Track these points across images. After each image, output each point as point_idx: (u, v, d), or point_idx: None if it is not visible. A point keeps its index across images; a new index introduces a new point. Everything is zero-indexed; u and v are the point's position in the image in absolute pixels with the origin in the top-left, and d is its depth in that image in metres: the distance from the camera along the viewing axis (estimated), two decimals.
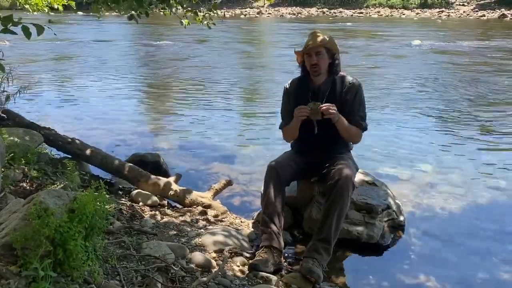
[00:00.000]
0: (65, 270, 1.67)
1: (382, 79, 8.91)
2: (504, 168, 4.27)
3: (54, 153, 3.98)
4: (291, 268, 2.53)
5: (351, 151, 2.95)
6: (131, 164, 3.59)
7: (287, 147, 3.04)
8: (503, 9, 30.82)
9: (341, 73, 2.83)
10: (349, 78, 2.81)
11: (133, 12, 3.48)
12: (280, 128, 3.00)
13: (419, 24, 24.82)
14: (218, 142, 5.04)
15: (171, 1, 3.62)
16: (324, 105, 2.64)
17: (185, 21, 3.98)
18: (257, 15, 35.20)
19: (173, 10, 3.86)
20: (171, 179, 3.49)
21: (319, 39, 2.71)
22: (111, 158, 3.65)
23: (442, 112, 6.42)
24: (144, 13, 3.57)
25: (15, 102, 4.84)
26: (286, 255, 2.68)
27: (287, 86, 2.93)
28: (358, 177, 3.03)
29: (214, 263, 2.36)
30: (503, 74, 9.47)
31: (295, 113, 2.72)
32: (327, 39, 2.74)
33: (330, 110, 2.61)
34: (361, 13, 35.06)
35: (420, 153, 4.66)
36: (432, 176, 4.04)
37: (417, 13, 33.67)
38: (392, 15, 33.45)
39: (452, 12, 33.14)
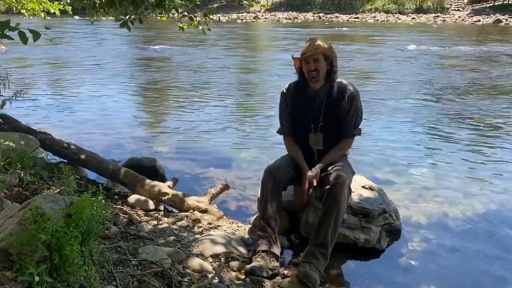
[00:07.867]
0: (61, 275, 1.66)
1: (377, 84, 8.94)
2: (501, 172, 4.29)
3: (50, 157, 3.98)
4: (287, 273, 2.52)
5: (347, 155, 2.95)
6: (127, 169, 3.59)
7: (284, 151, 3.04)
8: (497, 14, 31.07)
9: (339, 80, 2.83)
10: (347, 86, 2.80)
11: (126, 17, 3.38)
12: (278, 133, 3.00)
13: (414, 29, 24.96)
14: (215, 146, 5.04)
15: (166, 6, 3.58)
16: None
17: (183, 25, 3.98)
18: (254, 20, 35.32)
19: (170, 14, 3.84)
20: (168, 183, 3.49)
21: (317, 45, 2.71)
22: (107, 163, 3.65)
23: (438, 116, 6.44)
24: (137, 19, 3.48)
25: (11, 107, 4.82)
26: (282, 259, 2.67)
27: (284, 91, 2.92)
28: (355, 181, 3.03)
29: (210, 268, 2.36)
30: (500, 78, 9.53)
31: (303, 180, 2.71)
32: (326, 46, 2.74)
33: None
34: (357, 18, 35.24)
35: (416, 158, 4.68)
36: (429, 181, 4.05)
37: (412, 18, 33.88)
38: (388, 20, 33.63)
39: (447, 17, 33.38)
